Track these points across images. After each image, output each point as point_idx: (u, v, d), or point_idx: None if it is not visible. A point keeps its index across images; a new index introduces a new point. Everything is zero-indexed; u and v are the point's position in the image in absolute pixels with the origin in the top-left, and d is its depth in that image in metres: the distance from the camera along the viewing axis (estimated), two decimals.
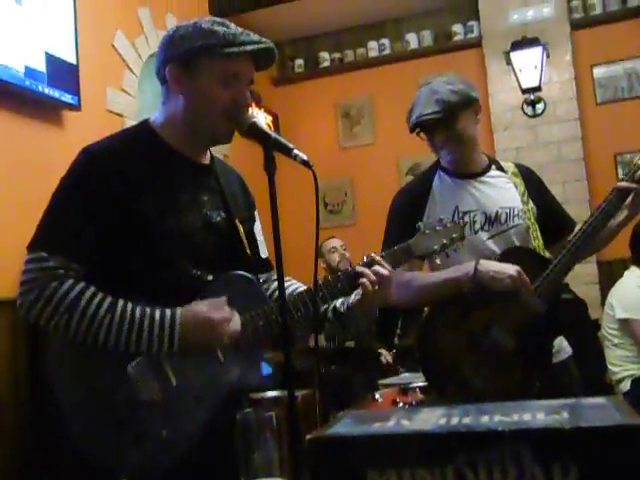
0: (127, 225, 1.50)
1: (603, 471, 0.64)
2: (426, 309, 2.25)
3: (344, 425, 0.73)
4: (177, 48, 1.55)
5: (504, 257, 2.09)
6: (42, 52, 2.92)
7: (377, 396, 2.74)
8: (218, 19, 1.58)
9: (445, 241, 1.75)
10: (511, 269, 2.00)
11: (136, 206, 1.50)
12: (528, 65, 4.85)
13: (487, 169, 2.23)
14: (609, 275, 4.53)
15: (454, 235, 1.77)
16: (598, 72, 5.00)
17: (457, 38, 5.29)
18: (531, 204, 2.19)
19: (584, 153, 4.92)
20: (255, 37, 1.56)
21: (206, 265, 1.58)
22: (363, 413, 0.83)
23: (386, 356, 4.17)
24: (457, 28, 5.29)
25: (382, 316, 4.18)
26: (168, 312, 1.49)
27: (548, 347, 2.09)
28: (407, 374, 3.14)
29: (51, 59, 2.96)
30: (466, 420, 0.71)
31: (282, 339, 1.31)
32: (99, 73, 3.43)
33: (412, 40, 5.38)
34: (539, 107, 5.00)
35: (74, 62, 3.10)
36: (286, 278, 1.77)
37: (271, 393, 2.74)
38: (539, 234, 2.15)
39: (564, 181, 4.91)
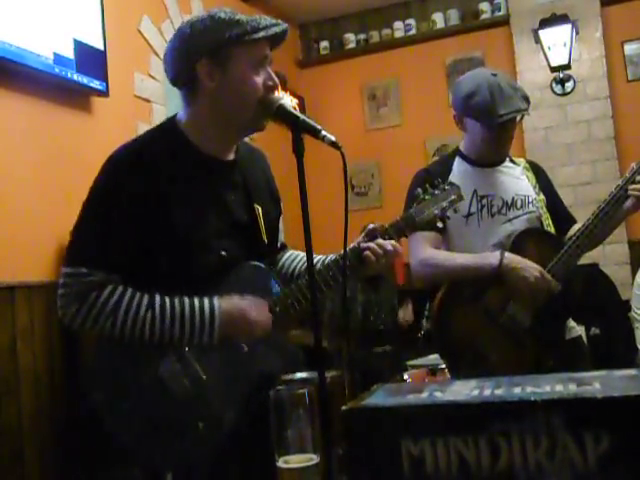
0: (156, 231, 1.51)
1: (635, 440, 0.64)
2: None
3: (378, 396, 0.74)
4: (203, 44, 1.52)
5: (521, 237, 2.16)
6: (70, 39, 2.95)
7: (405, 377, 2.76)
8: (227, 9, 1.54)
9: (444, 204, 1.73)
10: (535, 270, 2.05)
11: (165, 213, 1.51)
12: (557, 43, 4.77)
13: (502, 160, 2.31)
14: None
15: (452, 197, 1.75)
16: (629, 49, 4.90)
17: (484, 17, 5.22)
18: (542, 195, 2.27)
19: (615, 132, 4.84)
20: (271, 20, 1.56)
21: (231, 265, 1.60)
22: (396, 385, 0.84)
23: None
24: (484, 6, 5.22)
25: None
26: (207, 305, 1.53)
27: (562, 325, 2.17)
28: (436, 355, 3.15)
29: (79, 46, 2.99)
30: (498, 391, 0.72)
31: (312, 320, 1.32)
32: (126, 59, 3.45)
33: (438, 20, 5.32)
34: (568, 85, 4.92)
35: (101, 48, 3.12)
36: (293, 251, 1.85)
37: (300, 374, 2.76)
38: (551, 222, 2.23)
39: (594, 160, 4.84)
